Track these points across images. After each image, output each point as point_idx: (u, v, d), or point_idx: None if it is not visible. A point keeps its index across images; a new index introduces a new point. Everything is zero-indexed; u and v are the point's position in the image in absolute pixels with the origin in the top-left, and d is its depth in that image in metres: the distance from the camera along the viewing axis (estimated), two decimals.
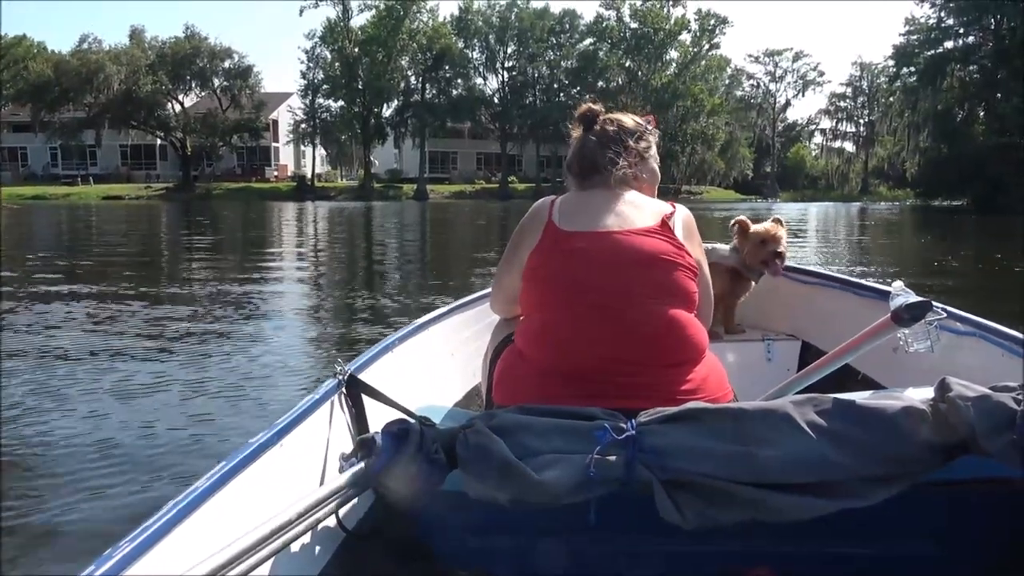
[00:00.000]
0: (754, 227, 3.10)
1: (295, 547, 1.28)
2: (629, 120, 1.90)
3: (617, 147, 1.82)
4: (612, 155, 1.81)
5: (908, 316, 1.78)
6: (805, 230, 21.43)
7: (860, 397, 1.35)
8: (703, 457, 1.28)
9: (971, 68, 45.33)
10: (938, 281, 9.31)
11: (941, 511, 1.41)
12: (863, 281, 2.99)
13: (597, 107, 1.91)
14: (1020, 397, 1.21)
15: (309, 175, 59.17)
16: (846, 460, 1.25)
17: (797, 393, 1.77)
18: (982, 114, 43.98)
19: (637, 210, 1.72)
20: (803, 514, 1.25)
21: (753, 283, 3.20)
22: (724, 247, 3.17)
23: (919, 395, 1.34)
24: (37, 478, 3.02)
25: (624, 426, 1.32)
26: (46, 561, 2.40)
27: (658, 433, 1.31)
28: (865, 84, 74.31)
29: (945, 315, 1.90)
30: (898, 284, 1.87)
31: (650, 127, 1.93)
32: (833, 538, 1.39)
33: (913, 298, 1.79)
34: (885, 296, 1.94)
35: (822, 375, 2.06)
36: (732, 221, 3.17)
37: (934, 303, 1.81)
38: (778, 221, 3.14)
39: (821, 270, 3.53)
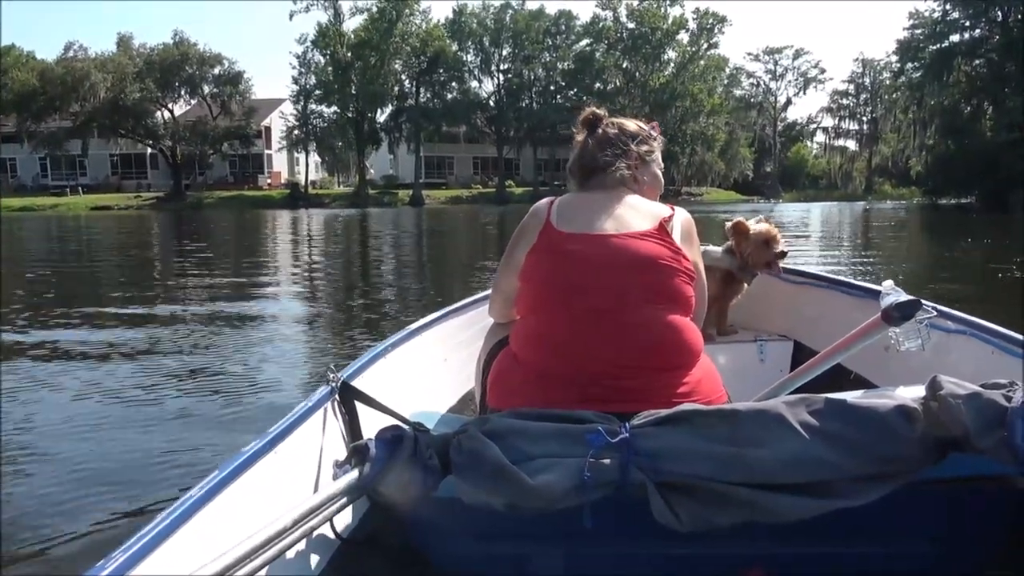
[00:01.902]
0: (754, 228, 3.10)
1: (290, 555, 1.28)
2: (631, 124, 1.92)
3: (615, 149, 1.84)
4: (609, 156, 1.83)
5: (898, 315, 1.79)
6: (809, 234, 20.33)
7: (852, 396, 1.35)
8: (697, 459, 1.28)
9: (978, 62, 43.94)
10: (975, 290, 8.73)
11: (934, 509, 1.41)
12: (854, 280, 3.01)
13: (600, 111, 1.94)
14: (1011, 394, 1.22)
15: (303, 182, 58.61)
16: (839, 459, 1.26)
17: (790, 393, 1.78)
18: (990, 109, 42.43)
19: (635, 213, 1.72)
20: (797, 514, 1.25)
21: (746, 285, 3.21)
22: (717, 249, 3.16)
23: (911, 393, 1.35)
24: (26, 485, 3.02)
25: (618, 429, 1.32)
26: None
27: (652, 436, 1.32)
28: (868, 81, 73.30)
29: (935, 313, 1.91)
30: (888, 283, 1.88)
31: (654, 132, 1.95)
32: (828, 537, 1.39)
33: (903, 297, 1.80)
34: (876, 295, 1.95)
35: (814, 375, 2.06)
36: (728, 223, 3.17)
37: (924, 302, 1.81)
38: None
39: (812, 270, 3.53)
